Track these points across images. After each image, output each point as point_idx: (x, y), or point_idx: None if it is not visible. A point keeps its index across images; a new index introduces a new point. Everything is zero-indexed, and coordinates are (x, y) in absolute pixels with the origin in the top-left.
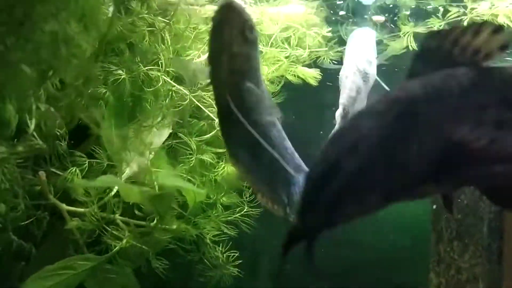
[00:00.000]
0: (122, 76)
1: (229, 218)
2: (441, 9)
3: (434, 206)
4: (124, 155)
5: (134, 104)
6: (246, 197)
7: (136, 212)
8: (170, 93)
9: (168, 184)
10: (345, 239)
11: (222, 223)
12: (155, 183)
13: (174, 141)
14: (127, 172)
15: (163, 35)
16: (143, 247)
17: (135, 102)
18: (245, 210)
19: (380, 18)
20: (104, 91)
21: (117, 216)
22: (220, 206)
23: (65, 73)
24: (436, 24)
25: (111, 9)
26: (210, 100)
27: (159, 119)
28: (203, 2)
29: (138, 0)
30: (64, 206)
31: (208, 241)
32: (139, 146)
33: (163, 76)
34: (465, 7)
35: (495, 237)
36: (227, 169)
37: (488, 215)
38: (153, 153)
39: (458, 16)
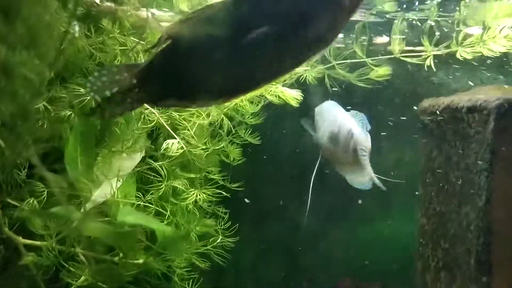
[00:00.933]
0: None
1: (200, 250)
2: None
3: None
4: (89, 183)
5: (102, 128)
6: (221, 226)
7: (97, 247)
8: (142, 115)
9: (131, 222)
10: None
11: (194, 255)
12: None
13: (146, 166)
14: (92, 202)
15: (135, 54)
16: (103, 286)
17: (104, 125)
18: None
19: (384, 39)
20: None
21: (78, 250)
22: (193, 235)
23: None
24: None
25: (76, 28)
26: (184, 122)
27: (130, 143)
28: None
29: (109, 18)
30: (20, 240)
31: (176, 278)
32: (107, 172)
33: None
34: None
35: (483, 271)
36: (200, 195)
37: (476, 247)
38: (121, 180)
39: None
